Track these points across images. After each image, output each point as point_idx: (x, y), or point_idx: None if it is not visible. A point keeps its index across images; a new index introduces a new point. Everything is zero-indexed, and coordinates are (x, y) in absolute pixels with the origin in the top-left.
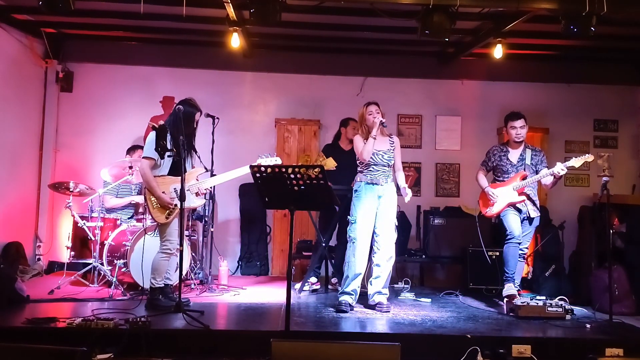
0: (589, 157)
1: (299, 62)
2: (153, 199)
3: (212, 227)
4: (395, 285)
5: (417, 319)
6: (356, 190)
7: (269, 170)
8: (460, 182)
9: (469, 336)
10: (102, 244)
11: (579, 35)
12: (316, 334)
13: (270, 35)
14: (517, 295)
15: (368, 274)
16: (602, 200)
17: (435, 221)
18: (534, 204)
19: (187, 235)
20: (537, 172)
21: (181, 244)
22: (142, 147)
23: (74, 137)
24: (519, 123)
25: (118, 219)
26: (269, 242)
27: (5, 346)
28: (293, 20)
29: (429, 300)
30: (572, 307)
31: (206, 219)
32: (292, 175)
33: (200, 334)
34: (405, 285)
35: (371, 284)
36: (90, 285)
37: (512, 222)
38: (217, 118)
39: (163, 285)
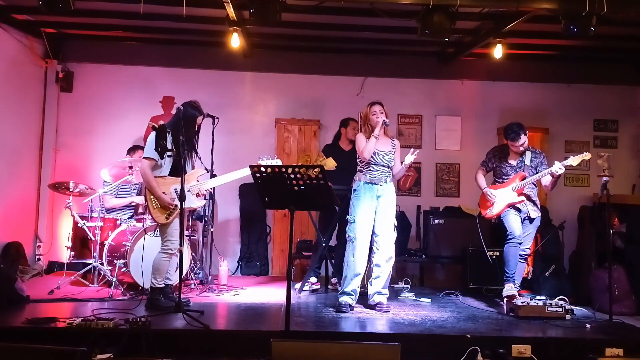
0: (587, 155)
1: (299, 62)
2: (153, 199)
3: (212, 227)
4: (395, 285)
5: (417, 319)
6: (355, 190)
7: (269, 170)
8: (460, 182)
9: (469, 336)
10: (102, 244)
11: (579, 35)
12: (316, 334)
13: (270, 35)
14: (517, 295)
15: (368, 274)
16: (602, 200)
17: (435, 221)
18: (535, 204)
19: (187, 235)
20: (536, 174)
21: (181, 244)
22: (142, 147)
23: (74, 137)
24: (520, 142)
25: (118, 219)
26: (269, 242)
27: (5, 346)
28: (293, 20)
29: (429, 300)
30: (572, 307)
31: (206, 219)
32: (292, 175)
33: (200, 334)
34: (405, 285)
35: (371, 284)
36: (90, 285)
37: (513, 222)
38: (217, 118)
39: (163, 285)
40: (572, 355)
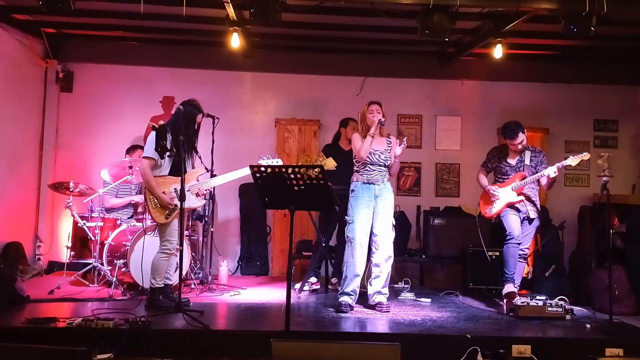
0: (586, 156)
1: (299, 62)
2: (153, 198)
3: (212, 227)
4: (395, 285)
5: (417, 319)
6: (353, 190)
7: (269, 170)
8: (460, 182)
9: (469, 336)
10: (102, 244)
11: (579, 35)
12: (316, 334)
13: (270, 35)
14: (517, 295)
15: (367, 274)
16: (602, 200)
17: (435, 221)
18: (534, 204)
19: (187, 235)
20: (536, 173)
21: (181, 244)
22: (142, 147)
23: (74, 137)
24: (518, 140)
25: (118, 219)
26: (269, 242)
27: (5, 346)
28: (293, 20)
29: (429, 300)
30: (572, 307)
31: (206, 219)
32: (292, 175)
33: (200, 334)
34: (405, 285)
35: (371, 284)
36: (90, 285)
37: (512, 223)
38: (217, 118)
39: (163, 285)
40: (572, 355)
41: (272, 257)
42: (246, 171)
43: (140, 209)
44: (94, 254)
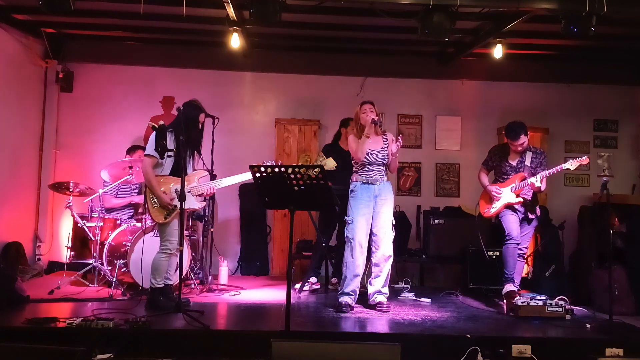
0: (585, 160)
1: (298, 62)
2: (153, 198)
3: (212, 227)
4: (395, 285)
5: (417, 319)
6: (352, 191)
7: (269, 170)
8: (460, 182)
9: (469, 336)
10: (102, 244)
11: (579, 35)
12: (316, 334)
13: (270, 35)
14: (517, 295)
15: (367, 273)
16: (602, 200)
17: (435, 221)
18: (533, 205)
19: (187, 235)
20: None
21: (181, 244)
22: (142, 147)
23: (74, 137)
24: (519, 142)
25: (118, 219)
26: (269, 242)
27: (5, 346)
28: (293, 20)
29: (429, 300)
30: (572, 307)
31: (206, 219)
32: (292, 175)
33: (200, 334)
34: (405, 285)
35: (371, 284)
36: (90, 285)
37: (510, 223)
38: (217, 118)
39: (163, 285)
40: (572, 355)
41: (272, 257)
42: (249, 175)
43: (140, 209)
44: (94, 254)
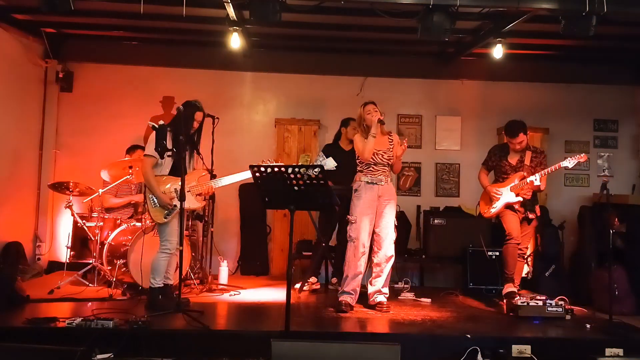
0: (582, 157)
1: (299, 62)
2: (152, 198)
3: (212, 227)
4: (395, 285)
5: (417, 319)
6: (356, 190)
7: (269, 170)
8: (460, 182)
9: (469, 336)
10: (102, 244)
11: (579, 35)
12: (316, 334)
13: (270, 35)
14: (517, 295)
15: (368, 273)
16: (602, 200)
17: (435, 221)
18: (533, 205)
19: (187, 235)
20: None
21: (181, 244)
22: (142, 147)
23: (74, 137)
24: (518, 140)
25: (118, 219)
26: (269, 242)
27: (5, 346)
28: (293, 20)
29: (429, 300)
30: (572, 307)
31: (206, 219)
32: (292, 175)
33: (200, 334)
34: (405, 285)
35: (371, 284)
36: (90, 285)
37: (511, 223)
38: (217, 118)
39: (163, 285)
40: (572, 355)
41: (272, 257)
42: (249, 174)
43: (140, 209)
44: (94, 254)
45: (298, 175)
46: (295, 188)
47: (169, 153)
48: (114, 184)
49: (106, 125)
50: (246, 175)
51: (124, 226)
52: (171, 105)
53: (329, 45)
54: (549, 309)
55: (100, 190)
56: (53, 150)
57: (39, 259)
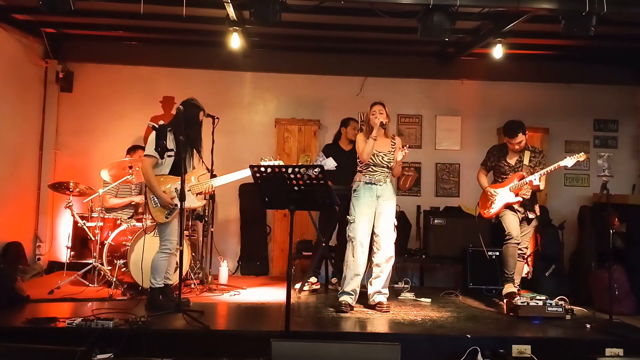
0: (582, 156)
1: (298, 62)
2: (153, 198)
3: (212, 227)
4: (395, 285)
5: (417, 319)
6: (355, 190)
7: (269, 170)
8: (460, 182)
9: (469, 336)
10: (102, 244)
11: (579, 35)
12: (316, 334)
13: (270, 35)
14: (517, 295)
15: (368, 274)
16: (602, 200)
17: (435, 221)
18: (532, 204)
19: (187, 235)
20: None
21: (181, 244)
22: (142, 147)
23: (74, 137)
24: (517, 140)
25: (118, 219)
26: (269, 242)
27: (5, 346)
28: (293, 20)
29: (429, 300)
30: (572, 307)
31: (206, 219)
32: (292, 175)
33: (200, 334)
34: (405, 285)
35: (371, 284)
36: (90, 285)
37: (511, 222)
38: (217, 118)
39: (163, 285)
40: (572, 355)
41: (272, 257)
42: (248, 172)
43: (140, 209)
44: (94, 254)
45: (298, 175)
46: (295, 188)
47: (170, 153)
48: (114, 184)
49: (106, 125)
50: (244, 173)
51: (124, 226)
52: (171, 105)
53: (329, 45)
54: (549, 309)
55: (100, 191)
56: (53, 150)
57: (39, 259)
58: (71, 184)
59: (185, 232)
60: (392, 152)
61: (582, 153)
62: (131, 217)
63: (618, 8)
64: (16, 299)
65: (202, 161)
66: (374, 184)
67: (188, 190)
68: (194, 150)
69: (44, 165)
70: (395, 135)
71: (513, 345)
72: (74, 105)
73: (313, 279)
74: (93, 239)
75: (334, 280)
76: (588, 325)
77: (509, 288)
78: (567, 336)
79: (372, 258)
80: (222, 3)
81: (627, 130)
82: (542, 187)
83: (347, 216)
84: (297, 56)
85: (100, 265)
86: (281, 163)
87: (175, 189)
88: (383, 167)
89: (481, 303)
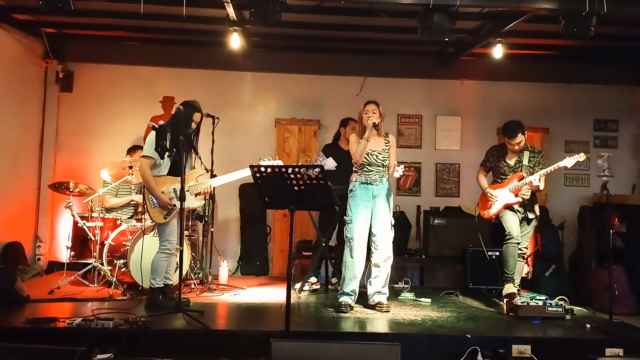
0: (581, 157)
1: (299, 62)
2: (152, 199)
3: (212, 227)
4: (395, 285)
5: (417, 319)
6: (351, 190)
7: (269, 170)
8: (460, 182)
9: (469, 336)
10: (102, 244)
11: (579, 35)
12: (316, 334)
13: (270, 35)
14: (517, 295)
15: (367, 273)
16: (602, 200)
17: (435, 221)
18: (532, 204)
19: (187, 235)
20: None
21: (181, 244)
22: (142, 147)
23: (74, 137)
24: (516, 140)
25: (118, 219)
26: (269, 242)
27: (5, 346)
28: (293, 20)
29: (429, 300)
30: (572, 307)
31: (206, 219)
32: (292, 175)
33: (200, 334)
34: (405, 285)
35: (370, 284)
36: (90, 285)
37: (511, 223)
38: (217, 118)
39: (163, 285)
40: (572, 355)
41: (272, 257)
42: (247, 172)
43: (140, 209)
44: (94, 254)
45: (298, 175)
46: (295, 188)
47: (169, 153)
48: (114, 184)
49: (106, 125)
50: (243, 173)
51: (124, 226)
52: (171, 105)
53: (329, 45)
54: (549, 309)
55: (100, 191)
56: (53, 150)
57: (39, 259)
58: (71, 184)
59: (185, 232)
60: (386, 150)
61: (582, 153)
62: (131, 217)
63: (618, 8)
64: (16, 299)
65: (201, 161)
66: (370, 183)
67: (187, 191)
68: (192, 151)
69: (44, 165)
70: (389, 133)
71: (513, 345)
72: (74, 105)
73: (313, 279)
74: (93, 239)
75: (333, 280)
76: (588, 325)
77: (509, 288)
78: (567, 336)
79: (371, 258)
80: (222, 3)
81: (627, 130)
82: (542, 188)
83: (345, 217)
84: (297, 56)
85: (100, 265)
86: (281, 163)
87: (174, 189)
88: (378, 165)
89: (481, 303)
